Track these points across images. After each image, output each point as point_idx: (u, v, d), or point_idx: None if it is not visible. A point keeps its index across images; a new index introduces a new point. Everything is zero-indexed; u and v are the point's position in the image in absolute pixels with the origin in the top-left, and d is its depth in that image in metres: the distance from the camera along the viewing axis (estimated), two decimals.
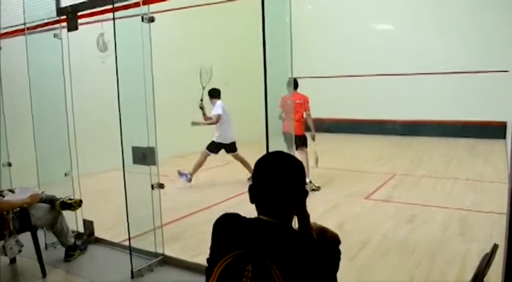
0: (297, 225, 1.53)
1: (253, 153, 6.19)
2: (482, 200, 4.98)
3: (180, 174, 6.19)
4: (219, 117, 6.02)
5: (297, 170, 1.36)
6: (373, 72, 10.71)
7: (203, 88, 6.03)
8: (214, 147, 6.20)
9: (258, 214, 1.37)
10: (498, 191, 5.36)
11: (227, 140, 6.19)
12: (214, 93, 6.15)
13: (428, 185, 5.85)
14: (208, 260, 1.40)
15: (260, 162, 1.39)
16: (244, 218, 1.39)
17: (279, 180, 1.33)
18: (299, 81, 5.72)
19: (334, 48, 11.09)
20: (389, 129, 10.79)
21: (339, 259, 1.30)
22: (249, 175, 6.19)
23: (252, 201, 1.39)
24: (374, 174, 6.52)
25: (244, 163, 6.26)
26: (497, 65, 9.26)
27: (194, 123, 6.04)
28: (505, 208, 4.43)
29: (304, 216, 1.52)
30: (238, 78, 9.54)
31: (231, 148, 6.27)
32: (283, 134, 6.15)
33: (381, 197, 5.29)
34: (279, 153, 1.42)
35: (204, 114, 6.11)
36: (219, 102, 6.13)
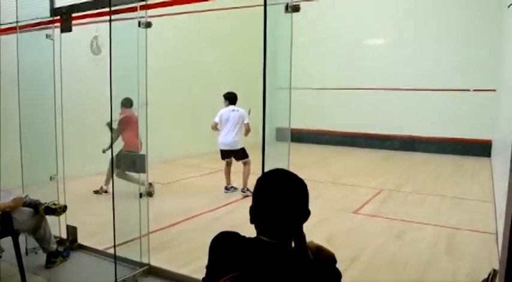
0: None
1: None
2: (469, 219, 5.00)
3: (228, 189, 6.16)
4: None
5: (300, 190, 1.32)
6: (364, 86, 10.80)
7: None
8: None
9: (258, 234, 1.33)
10: (484, 210, 5.39)
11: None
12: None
13: (416, 201, 5.86)
14: (204, 279, 1.34)
15: (261, 181, 1.35)
16: (244, 237, 1.34)
17: (282, 201, 1.28)
18: None
19: (327, 61, 11.14)
20: (378, 144, 10.86)
21: None
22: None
23: (252, 222, 1.34)
24: (363, 188, 6.52)
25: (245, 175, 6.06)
26: (485, 84, 9.42)
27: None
28: (491, 228, 4.47)
29: (300, 236, 1.48)
30: (237, 84, 9.54)
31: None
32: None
33: (369, 212, 5.28)
34: (281, 172, 1.38)
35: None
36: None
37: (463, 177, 7.56)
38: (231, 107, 6.10)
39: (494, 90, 9.09)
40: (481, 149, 9.61)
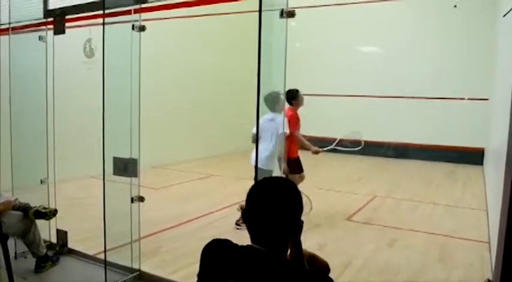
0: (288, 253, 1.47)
1: (240, 164, 6.03)
2: (461, 227, 5.00)
3: None
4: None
5: (293, 198, 1.30)
6: (356, 93, 10.84)
7: None
8: None
9: (252, 241, 1.31)
10: (477, 218, 5.40)
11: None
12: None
13: (408, 209, 5.86)
14: None
15: (255, 188, 1.33)
16: (236, 245, 1.32)
17: (274, 209, 1.26)
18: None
19: (320, 67, 11.20)
20: (371, 151, 10.85)
21: None
22: None
23: (244, 223, 1.33)
24: (355, 195, 6.51)
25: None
26: (478, 93, 9.49)
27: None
28: (484, 236, 4.47)
29: (297, 245, 1.46)
30: (228, 89, 9.56)
31: None
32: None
33: (361, 219, 5.27)
34: (276, 180, 1.36)
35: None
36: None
37: (455, 185, 7.58)
38: (270, 114, 4.57)
39: (487, 99, 9.16)
40: (473, 157, 9.65)
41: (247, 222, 1.32)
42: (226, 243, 1.35)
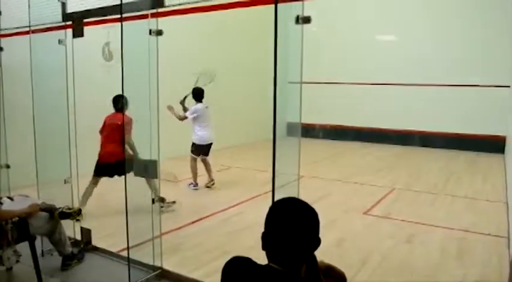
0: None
1: (258, 156, 6.10)
2: (480, 221, 4.97)
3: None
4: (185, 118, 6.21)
5: (311, 219, 1.35)
6: (377, 81, 10.75)
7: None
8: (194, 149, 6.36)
9: (269, 261, 1.35)
10: (496, 211, 5.35)
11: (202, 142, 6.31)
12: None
13: (427, 202, 5.83)
14: None
15: (273, 210, 1.37)
16: (255, 264, 1.37)
17: (293, 230, 1.31)
18: None
19: (335, 54, 11.12)
20: (389, 139, 10.81)
21: None
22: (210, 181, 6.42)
23: (263, 249, 1.37)
24: (373, 187, 6.50)
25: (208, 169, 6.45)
26: (500, 80, 9.30)
27: (169, 108, 5.97)
28: (503, 230, 4.43)
29: (312, 260, 1.50)
30: (243, 81, 9.57)
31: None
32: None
33: (380, 213, 5.27)
34: (293, 201, 1.40)
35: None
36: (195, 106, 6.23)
37: (475, 176, 7.49)
38: (204, 103, 6.25)
39: (509, 86, 8.97)
40: (495, 145, 9.51)
41: (267, 242, 1.36)
42: (246, 261, 1.40)
